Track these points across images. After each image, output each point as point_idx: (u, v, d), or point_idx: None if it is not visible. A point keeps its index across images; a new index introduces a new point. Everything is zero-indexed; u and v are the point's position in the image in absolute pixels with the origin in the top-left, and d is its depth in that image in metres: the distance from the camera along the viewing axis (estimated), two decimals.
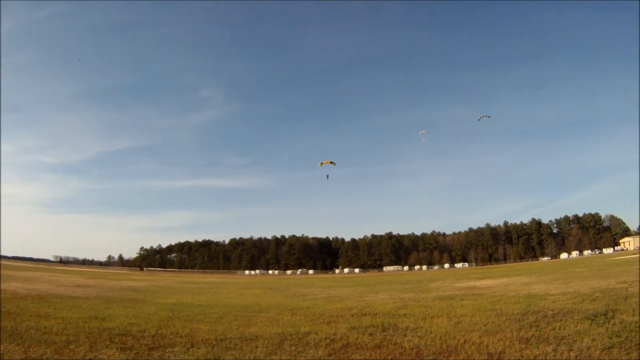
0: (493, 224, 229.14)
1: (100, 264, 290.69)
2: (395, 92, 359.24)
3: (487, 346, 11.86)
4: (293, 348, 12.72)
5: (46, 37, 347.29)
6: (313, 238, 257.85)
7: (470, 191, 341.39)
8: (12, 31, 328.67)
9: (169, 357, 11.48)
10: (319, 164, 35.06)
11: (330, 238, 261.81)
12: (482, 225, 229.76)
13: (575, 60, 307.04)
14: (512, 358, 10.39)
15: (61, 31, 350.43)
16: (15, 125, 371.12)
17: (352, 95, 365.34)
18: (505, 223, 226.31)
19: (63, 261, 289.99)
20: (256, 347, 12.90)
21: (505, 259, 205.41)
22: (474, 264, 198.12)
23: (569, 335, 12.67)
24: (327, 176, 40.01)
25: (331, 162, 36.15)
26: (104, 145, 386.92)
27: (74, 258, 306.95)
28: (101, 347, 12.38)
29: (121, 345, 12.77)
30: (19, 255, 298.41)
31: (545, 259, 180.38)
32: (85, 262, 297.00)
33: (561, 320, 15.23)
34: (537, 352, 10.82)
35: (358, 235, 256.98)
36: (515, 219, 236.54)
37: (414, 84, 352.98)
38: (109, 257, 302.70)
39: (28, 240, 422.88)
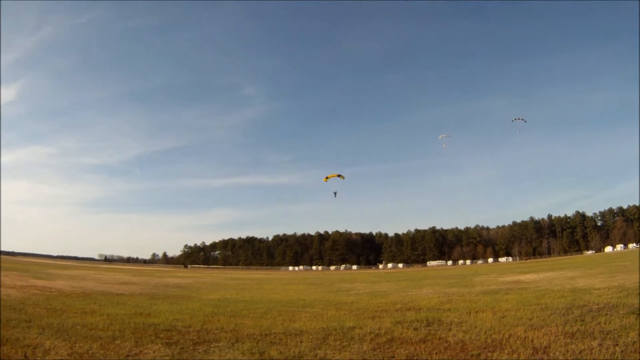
0: (537, 217, 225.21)
1: (145, 261, 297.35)
2: (437, 86, 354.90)
3: (532, 341, 11.68)
4: (338, 343, 12.74)
5: (87, 42, 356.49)
6: (356, 233, 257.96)
7: (513, 184, 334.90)
8: (52, 37, 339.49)
9: (214, 351, 11.63)
10: (324, 179, 31.30)
11: (374, 233, 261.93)
12: (526, 218, 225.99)
13: (624, 47, 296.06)
14: (557, 353, 10.17)
15: (101, 36, 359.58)
16: (57, 128, 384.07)
17: (394, 90, 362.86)
18: (549, 216, 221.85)
19: (108, 259, 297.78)
20: (301, 341, 12.98)
21: (549, 253, 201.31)
22: (517, 258, 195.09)
23: (614, 329, 12.38)
24: (335, 193, 35.84)
25: (339, 175, 31.18)
26: (147, 145, 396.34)
27: (118, 256, 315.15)
28: (147, 342, 12.63)
29: (166, 341, 13.02)
30: (64, 254, 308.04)
31: (590, 252, 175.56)
32: (129, 260, 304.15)
33: (606, 314, 14.92)
34: (583, 347, 10.58)
35: (401, 230, 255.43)
36: (559, 212, 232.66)
37: (456, 77, 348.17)
38: (153, 255, 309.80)
39: (73, 240, 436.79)
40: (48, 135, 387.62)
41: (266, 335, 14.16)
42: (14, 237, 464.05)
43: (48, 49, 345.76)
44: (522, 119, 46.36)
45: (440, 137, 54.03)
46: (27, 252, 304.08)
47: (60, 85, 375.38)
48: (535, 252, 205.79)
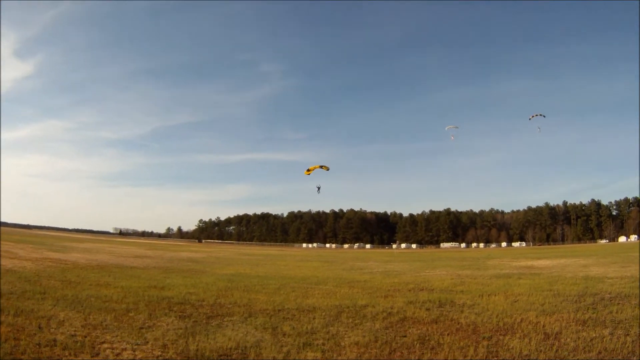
0: (552, 203, 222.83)
1: (159, 236, 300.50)
2: (454, 67, 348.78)
3: (543, 326, 11.66)
4: (350, 320, 12.79)
5: (105, 18, 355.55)
6: (371, 212, 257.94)
7: (529, 169, 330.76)
8: (70, 13, 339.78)
9: (227, 325, 11.71)
10: (306, 172, 26.97)
11: (389, 213, 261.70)
12: (541, 204, 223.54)
13: None
14: (568, 339, 10.11)
15: (119, 12, 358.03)
16: (74, 103, 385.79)
17: (410, 71, 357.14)
18: (565, 203, 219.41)
19: (123, 233, 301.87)
20: (313, 318, 13.05)
21: (562, 240, 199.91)
22: (531, 243, 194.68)
23: (625, 319, 12.30)
24: (319, 188, 33.27)
25: (322, 167, 26.55)
26: (163, 120, 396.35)
27: (133, 230, 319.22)
28: (160, 315, 12.77)
29: (180, 314, 13.15)
30: (80, 227, 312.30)
31: (604, 241, 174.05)
32: (144, 234, 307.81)
33: (618, 304, 14.86)
34: (594, 335, 10.50)
35: (416, 211, 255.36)
36: (574, 199, 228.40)
37: (473, 59, 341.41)
38: (168, 229, 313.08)
39: (88, 213, 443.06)
40: (65, 109, 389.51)
41: (279, 310, 14.27)
42: (30, 210, 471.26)
43: (65, 24, 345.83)
44: (541, 115, 43.57)
45: (447, 129, 51.24)
46: (42, 225, 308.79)
47: (77, 60, 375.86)
48: (548, 238, 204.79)
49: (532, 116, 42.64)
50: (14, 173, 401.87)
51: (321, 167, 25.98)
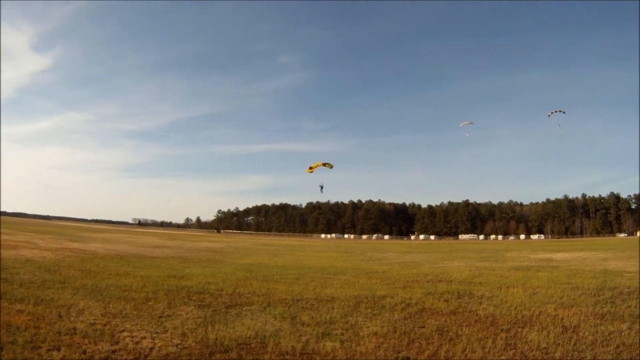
0: (571, 195, 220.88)
1: (178, 226, 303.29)
2: (474, 58, 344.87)
3: (562, 319, 11.60)
4: (369, 310, 12.83)
5: (123, 11, 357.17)
6: (390, 203, 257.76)
7: (548, 161, 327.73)
8: (89, 6, 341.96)
9: (246, 315, 11.80)
10: (308, 170, 24.95)
11: (407, 204, 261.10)
12: (560, 196, 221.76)
13: None
14: (586, 333, 10.04)
15: (138, 4, 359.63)
16: (93, 95, 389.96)
17: (429, 62, 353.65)
18: (584, 195, 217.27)
19: (142, 223, 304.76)
20: (332, 308, 13.10)
21: (581, 233, 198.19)
22: (549, 236, 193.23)
23: None
24: (322, 188, 32.27)
25: (325, 164, 24.37)
26: (183, 111, 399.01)
27: (152, 220, 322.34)
28: (179, 304, 12.89)
29: (199, 303, 13.26)
30: (99, 218, 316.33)
31: (622, 235, 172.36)
32: (163, 225, 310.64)
33: (637, 298, 14.77)
34: (612, 329, 10.41)
35: (435, 202, 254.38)
36: (593, 192, 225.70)
37: (493, 50, 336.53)
38: (187, 219, 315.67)
39: (108, 204, 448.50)
40: (84, 101, 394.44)
41: (298, 300, 14.33)
42: (50, 201, 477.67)
43: (84, 17, 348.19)
44: (561, 111, 41.58)
45: (461, 125, 49.70)
46: (62, 216, 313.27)
47: (96, 53, 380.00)
48: (567, 231, 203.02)
49: (552, 112, 41.02)
50: (34, 165, 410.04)
51: (324, 164, 24.61)
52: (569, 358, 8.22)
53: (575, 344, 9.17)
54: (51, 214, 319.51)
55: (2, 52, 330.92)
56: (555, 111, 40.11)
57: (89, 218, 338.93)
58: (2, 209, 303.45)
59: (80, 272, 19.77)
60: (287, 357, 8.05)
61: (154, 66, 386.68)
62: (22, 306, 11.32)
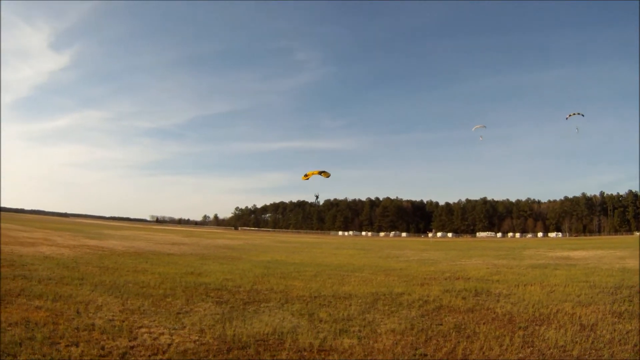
0: (589, 193, 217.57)
1: (196, 223, 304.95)
2: (491, 54, 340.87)
3: (579, 317, 11.58)
4: (386, 307, 12.86)
5: (141, 8, 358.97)
6: (407, 201, 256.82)
7: (567, 158, 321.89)
8: (107, 5, 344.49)
9: (263, 311, 11.87)
10: (303, 177, 23.45)
11: (424, 201, 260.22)
12: (578, 194, 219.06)
13: None
14: (604, 331, 9.99)
15: (155, 2, 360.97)
16: (111, 93, 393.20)
17: (447, 59, 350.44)
18: (602, 193, 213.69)
19: (159, 221, 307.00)
20: (350, 305, 13.14)
21: (599, 231, 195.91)
22: (567, 234, 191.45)
23: None
24: (317, 197, 31.47)
25: (321, 173, 22.42)
26: (200, 109, 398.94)
27: (170, 218, 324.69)
28: (197, 301, 13.00)
29: (217, 299, 13.37)
30: (117, 215, 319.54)
31: None
32: (180, 222, 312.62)
33: None
34: (630, 328, 10.36)
35: (452, 200, 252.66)
36: (611, 190, 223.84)
37: (510, 46, 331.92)
38: (205, 216, 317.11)
39: (126, 201, 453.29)
40: (102, 99, 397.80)
41: (315, 297, 14.39)
42: (68, 198, 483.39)
43: (101, 15, 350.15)
44: (580, 114, 39.71)
45: (473, 130, 48.68)
46: (80, 213, 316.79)
47: (113, 50, 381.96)
48: (585, 229, 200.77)
49: (570, 115, 39.75)
50: (52, 162, 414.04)
51: (320, 173, 23.24)
52: (586, 356, 8.20)
53: (592, 342, 9.14)
54: (69, 212, 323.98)
55: (19, 52, 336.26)
56: (574, 114, 39.04)
57: (107, 215, 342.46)
58: (20, 207, 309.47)
59: (99, 268, 19.98)
60: (305, 353, 8.11)
61: (171, 64, 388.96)
62: (41, 302, 11.46)
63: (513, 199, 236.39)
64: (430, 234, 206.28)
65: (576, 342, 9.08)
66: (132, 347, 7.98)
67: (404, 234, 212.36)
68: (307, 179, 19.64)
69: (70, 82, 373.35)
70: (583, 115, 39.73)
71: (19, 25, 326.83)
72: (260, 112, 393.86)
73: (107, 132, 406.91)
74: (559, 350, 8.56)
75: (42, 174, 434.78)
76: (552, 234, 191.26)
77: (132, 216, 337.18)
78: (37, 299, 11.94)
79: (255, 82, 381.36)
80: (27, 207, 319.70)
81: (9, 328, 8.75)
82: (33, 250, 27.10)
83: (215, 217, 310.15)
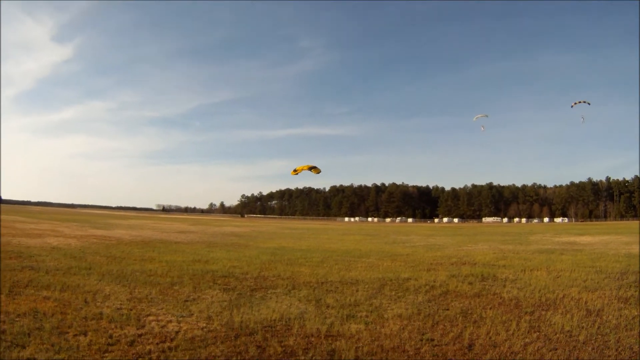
0: (595, 178, 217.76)
1: (202, 211, 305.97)
2: (498, 39, 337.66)
3: (585, 302, 11.60)
4: (393, 293, 12.91)
5: None
6: (413, 186, 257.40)
7: (573, 143, 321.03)
8: None
9: (271, 298, 11.93)
10: (292, 172, 21.91)
11: (430, 187, 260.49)
12: (584, 179, 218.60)
13: None
14: (610, 317, 9.98)
15: None
16: (115, 83, 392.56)
17: (451, 43, 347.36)
18: (608, 178, 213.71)
19: (166, 210, 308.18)
20: (357, 290, 13.20)
21: (605, 216, 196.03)
22: (573, 219, 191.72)
23: None
24: (307, 194, 29.96)
25: (311, 169, 20.98)
26: (205, 97, 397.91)
27: (176, 206, 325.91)
28: (205, 288, 13.07)
29: (224, 287, 13.44)
30: (123, 205, 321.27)
31: None
32: (187, 210, 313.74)
33: None
34: (636, 313, 10.34)
35: (458, 185, 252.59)
36: (617, 175, 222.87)
37: (515, 31, 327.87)
38: (211, 204, 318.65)
39: (131, 191, 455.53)
40: (106, 90, 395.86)
41: (322, 283, 14.46)
42: (74, 190, 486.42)
43: (103, 6, 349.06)
44: (586, 102, 38.55)
45: (475, 119, 47.65)
46: (86, 203, 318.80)
47: (116, 41, 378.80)
48: (591, 215, 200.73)
49: (575, 103, 38.82)
50: (57, 154, 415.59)
51: (311, 169, 20.95)
52: (592, 341, 8.21)
53: (599, 327, 9.14)
54: (76, 203, 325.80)
55: (22, 45, 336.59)
56: (580, 102, 38.24)
57: (113, 205, 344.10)
58: (27, 199, 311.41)
59: (106, 258, 20.10)
60: (312, 339, 8.15)
61: (175, 53, 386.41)
62: (49, 293, 11.53)
63: (519, 184, 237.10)
64: (436, 220, 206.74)
65: (582, 328, 9.09)
66: (140, 335, 8.04)
67: (410, 220, 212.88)
68: (297, 174, 19.23)
69: (73, 74, 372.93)
70: (589, 104, 39.10)
71: (22, 19, 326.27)
72: (265, 99, 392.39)
73: (111, 123, 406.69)
74: (565, 335, 8.57)
75: (48, 165, 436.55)
76: (558, 219, 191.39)
77: (138, 205, 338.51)
78: (45, 289, 12.02)
79: (258, 69, 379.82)
80: (34, 199, 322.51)
81: (18, 319, 8.81)
82: (40, 242, 27.26)
83: (222, 204, 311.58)
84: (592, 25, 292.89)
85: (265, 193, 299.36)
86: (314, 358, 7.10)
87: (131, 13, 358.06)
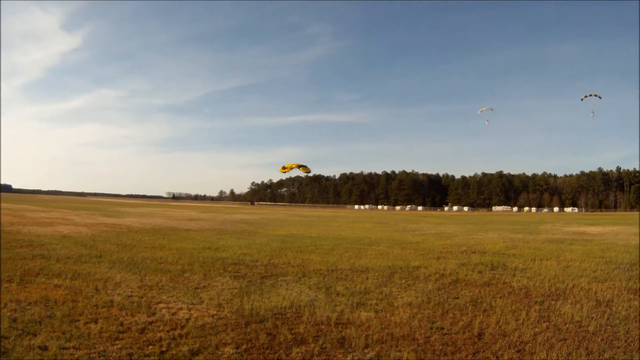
0: (605, 168, 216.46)
1: (212, 199, 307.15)
2: (508, 27, 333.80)
3: (595, 293, 11.61)
4: (403, 281, 12.95)
5: None
6: (423, 174, 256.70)
7: (583, 132, 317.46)
8: None
9: (281, 285, 12.00)
10: (281, 169, 18.72)
11: (440, 175, 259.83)
12: (594, 169, 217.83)
13: None
14: (620, 307, 9.96)
15: None
16: (124, 71, 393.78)
17: (461, 31, 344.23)
18: (618, 168, 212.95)
19: (176, 197, 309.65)
20: (367, 278, 13.25)
21: (615, 207, 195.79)
22: (583, 209, 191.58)
23: None
24: (294, 194, 29.65)
25: (300, 167, 19.43)
26: (214, 84, 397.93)
27: (186, 194, 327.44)
28: (215, 275, 13.15)
29: (234, 274, 13.53)
30: (133, 193, 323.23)
31: None
32: (197, 198, 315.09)
33: None
34: None
35: (468, 173, 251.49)
36: (628, 165, 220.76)
37: (526, 19, 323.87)
38: (221, 192, 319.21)
39: (141, 179, 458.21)
40: (116, 78, 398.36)
41: (332, 271, 14.53)
42: (85, 178, 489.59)
43: None
44: (597, 95, 37.49)
45: (479, 112, 46.77)
46: (96, 192, 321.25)
47: (125, 29, 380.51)
48: (601, 205, 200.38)
49: (585, 96, 37.86)
50: (67, 143, 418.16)
51: (300, 167, 19.85)
52: (602, 332, 8.20)
53: (608, 318, 9.13)
54: (86, 191, 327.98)
55: (31, 34, 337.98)
56: (590, 95, 37.34)
57: (123, 193, 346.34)
58: (37, 188, 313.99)
59: (116, 246, 20.27)
60: (322, 326, 8.19)
61: (183, 40, 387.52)
62: (60, 281, 11.65)
63: (529, 173, 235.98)
64: (446, 208, 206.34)
65: (592, 318, 9.08)
66: (150, 323, 8.10)
67: (420, 208, 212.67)
68: (286, 172, 19.11)
69: (82, 63, 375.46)
70: (600, 98, 38.38)
71: (30, 8, 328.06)
72: (274, 86, 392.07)
73: (121, 111, 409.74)
74: (575, 326, 8.56)
75: (58, 154, 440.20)
76: (568, 209, 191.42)
77: (148, 193, 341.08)
78: (56, 277, 12.15)
79: (267, 57, 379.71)
80: (44, 188, 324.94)
81: (29, 307, 8.91)
82: (51, 230, 27.54)
83: (232, 192, 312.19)
84: (606, 11, 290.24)
85: (275, 180, 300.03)
86: (324, 345, 7.14)
87: (139, 0, 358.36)
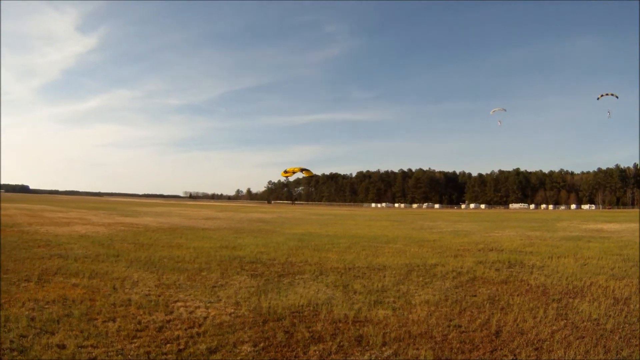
0: (623, 165, 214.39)
1: (229, 198, 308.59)
2: (524, 23, 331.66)
3: (613, 290, 11.48)
4: (420, 279, 12.91)
5: None
6: (440, 172, 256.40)
7: (600, 129, 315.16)
8: None
9: (298, 283, 12.03)
10: (283, 173, 18.45)
11: (457, 172, 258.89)
12: (612, 166, 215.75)
13: None
14: (637, 305, 9.84)
15: None
16: (141, 72, 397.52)
17: (479, 28, 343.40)
18: (635, 165, 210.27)
19: (193, 196, 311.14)
20: (384, 276, 13.23)
21: (632, 204, 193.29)
22: (600, 206, 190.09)
23: None
24: (294, 200, 28.93)
25: (302, 170, 19.76)
26: (230, 84, 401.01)
27: (203, 193, 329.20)
28: (232, 274, 13.20)
29: (252, 272, 13.57)
30: (150, 192, 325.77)
31: None
32: (214, 197, 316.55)
33: None
34: None
35: (485, 171, 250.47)
36: None
37: (544, 16, 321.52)
38: (237, 191, 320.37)
39: (158, 179, 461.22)
40: (132, 79, 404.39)
41: (350, 269, 14.52)
42: (102, 178, 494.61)
43: None
44: (614, 95, 36.68)
45: (492, 113, 46.32)
46: (113, 192, 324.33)
47: (141, 30, 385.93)
48: (618, 202, 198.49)
49: (601, 95, 36.96)
50: (84, 143, 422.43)
51: (302, 170, 19.83)
52: (620, 330, 8.12)
53: (626, 316, 9.04)
54: (103, 191, 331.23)
55: (46, 36, 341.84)
56: (606, 94, 36.57)
57: (140, 193, 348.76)
58: (55, 188, 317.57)
59: (134, 245, 20.41)
60: (340, 324, 8.20)
61: (199, 40, 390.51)
62: (77, 280, 11.74)
63: (546, 170, 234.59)
64: (463, 206, 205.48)
65: (610, 316, 8.99)
66: (168, 321, 8.16)
67: (437, 206, 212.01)
68: (288, 175, 19.12)
69: (98, 64, 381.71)
70: (617, 97, 37.67)
71: (45, 10, 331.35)
72: (290, 85, 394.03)
73: (137, 111, 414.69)
74: (593, 324, 8.50)
75: (75, 155, 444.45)
76: (585, 206, 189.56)
77: (165, 193, 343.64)
78: (74, 276, 12.24)
79: (284, 56, 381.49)
80: (62, 189, 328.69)
81: (47, 306, 9.00)
82: (69, 230, 27.79)
83: (248, 191, 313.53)
84: (622, 7, 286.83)
85: (291, 179, 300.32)
86: (341, 343, 7.15)
87: (154, 1, 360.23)
